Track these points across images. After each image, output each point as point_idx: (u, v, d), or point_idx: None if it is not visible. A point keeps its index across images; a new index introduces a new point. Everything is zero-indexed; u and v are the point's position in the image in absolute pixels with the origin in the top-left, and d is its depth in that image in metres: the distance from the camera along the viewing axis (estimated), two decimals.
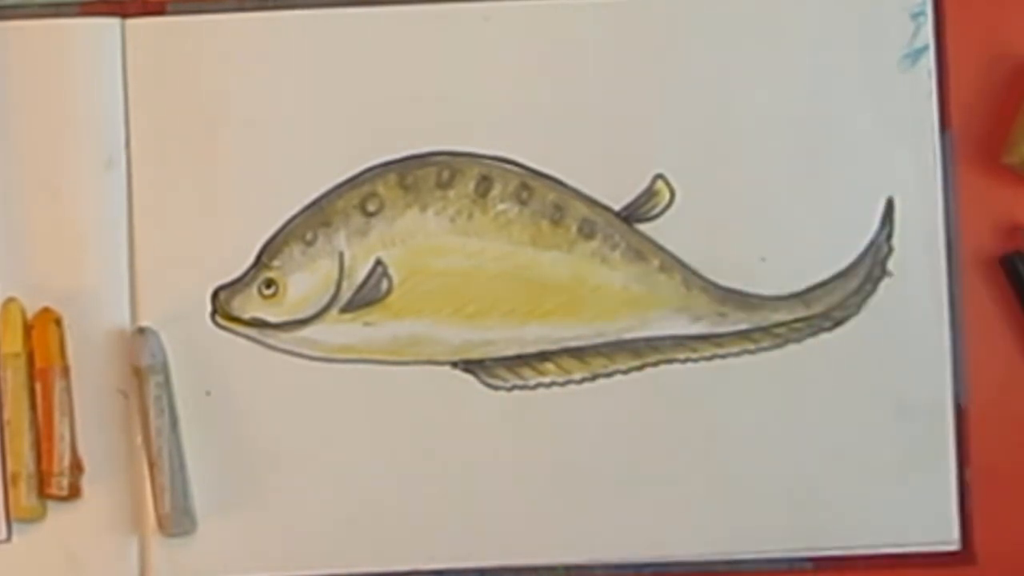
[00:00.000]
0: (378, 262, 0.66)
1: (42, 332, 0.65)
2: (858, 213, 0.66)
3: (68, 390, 0.65)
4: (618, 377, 0.66)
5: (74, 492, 0.65)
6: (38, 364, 0.65)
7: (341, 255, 0.66)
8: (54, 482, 0.65)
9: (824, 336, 0.66)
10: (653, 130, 0.66)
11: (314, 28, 0.66)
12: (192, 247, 0.66)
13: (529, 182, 0.66)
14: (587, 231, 0.66)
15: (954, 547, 0.66)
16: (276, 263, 0.66)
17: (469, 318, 0.66)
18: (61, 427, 0.65)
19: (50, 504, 0.66)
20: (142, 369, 0.64)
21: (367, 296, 0.66)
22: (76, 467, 0.65)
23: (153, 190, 0.66)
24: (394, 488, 0.66)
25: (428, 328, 0.66)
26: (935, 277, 0.66)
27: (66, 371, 0.65)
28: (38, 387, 0.65)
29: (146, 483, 0.65)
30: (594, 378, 0.66)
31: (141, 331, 0.65)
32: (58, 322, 0.65)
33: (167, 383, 0.65)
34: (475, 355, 0.66)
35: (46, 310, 0.65)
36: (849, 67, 0.66)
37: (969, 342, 0.66)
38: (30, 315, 0.66)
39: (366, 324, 0.66)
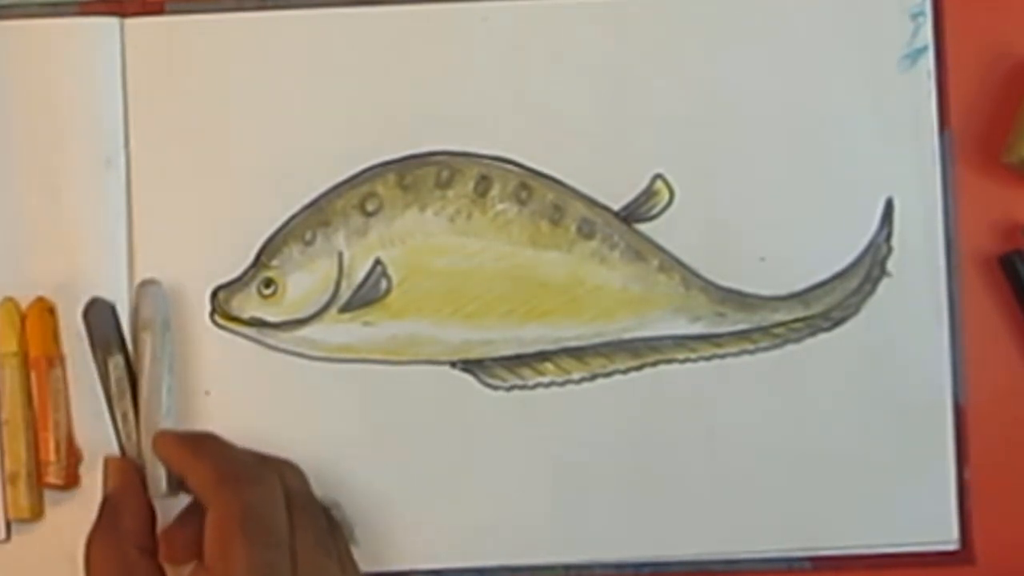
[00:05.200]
0: (377, 262, 0.66)
1: (35, 321, 0.65)
2: (858, 213, 0.66)
3: (63, 379, 0.65)
4: (617, 377, 0.66)
5: (71, 480, 0.65)
6: (32, 354, 0.65)
7: (340, 255, 0.66)
8: (51, 471, 0.65)
9: (823, 336, 0.66)
10: (653, 130, 0.66)
11: (314, 28, 0.66)
12: (191, 246, 0.66)
13: (528, 182, 0.66)
14: (586, 231, 0.66)
15: (953, 547, 0.66)
16: (275, 263, 0.66)
17: (468, 318, 0.66)
18: (57, 415, 0.65)
19: (48, 504, 0.66)
20: (144, 322, 0.64)
21: (366, 296, 0.66)
22: (73, 455, 0.65)
23: (152, 189, 0.66)
24: (393, 488, 0.66)
25: (427, 328, 0.66)
26: (934, 277, 0.66)
27: (61, 360, 0.65)
28: (33, 376, 0.65)
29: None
30: (593, 378, 0.66)
31: (144, 284, 0.65)
32: (51, 311, 0.65)
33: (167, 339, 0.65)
34: (474, 355, 0.66)
35: (39, 300, 0.65)
36: (849, 67, 0.66)
37: (968, 342, 0.66)
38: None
39: (365, 324, 0.66)
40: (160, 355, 0.64)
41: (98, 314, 0.64)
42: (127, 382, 0.64)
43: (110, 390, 0.64)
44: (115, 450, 0.65)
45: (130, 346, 0.65)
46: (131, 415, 0.64)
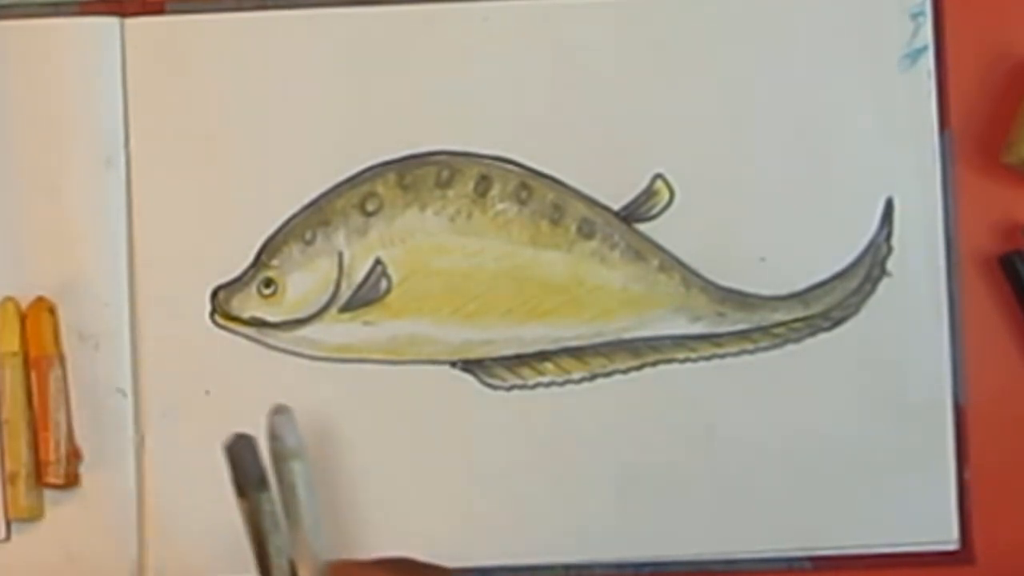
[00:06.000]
0: (377, 261, 0.66)
1: (35, 321, 0.65)
2: (858, 213, 0.66)
3: (63, 379, 0.65)
4: (617, 377, 0.66)
5: (71, 480, 0.65)
6: (33, 354, 0.65)
7: (340, 254, 0.66)
8: (51, 471, 0.65)
9: (823, 336, 0.66)
10: (653, 130, 0.66)
11: (314, 28, 0.66)
12: (191, 246, 0.66)
13: (528, 182, 0.66)
14: (586, 231, 0.66)
15: (953, 546, 0.66)
16: (275, 262, 0.66)
17: (468, 318, 0.66)
18: (57, 415, 0.65)
19: (49, 503, 0.66)
20: (292, 451, 0.61)
21: (366, 295, 0.66)
22: (74, 455, 0.65)
23: (152, 189, 0.66)
24: (393, 487, 0.66)
25: (427, 328, 0.66)
26: (934, 277, 0.66)
27: (61, 360, 0.65)
28: (33, 376, 0.65)
29: (147, 478, 0.65)
30: (593, 378, 0.66)
31: (279, 411, 0.61)
32: (52, 311, 0.65)
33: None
34: (474, 355, 0.66)
35: (40, 299, 0.65)
36: (849, 67, 0.66)
37: (968, 342, 0.66)
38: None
39: (365, 323, 0.66)
40: (311, 482, 0.61)
41: (243, 450, 0.60)
42: (279, 515, 0.60)
43: (262, 526, 0.60)
44: (115, 450, 0.65)
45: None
46: (285, 547, 0.60)
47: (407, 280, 0.66)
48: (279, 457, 0.60)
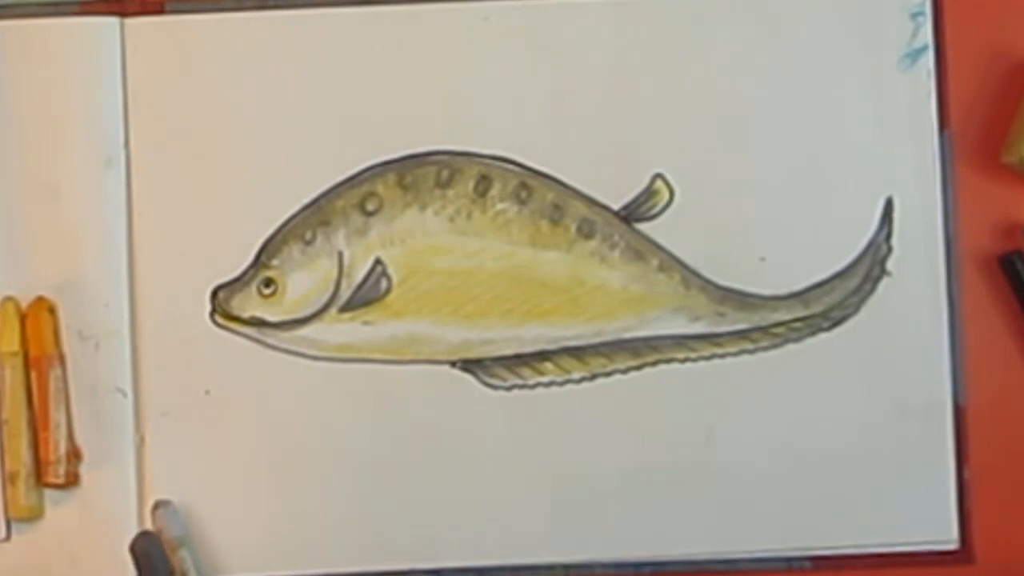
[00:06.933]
0: (377, 261, 0.66)
1: (35, 321, 0.65)
2: (857, 213, 0.66)
3: (63, 379, 0.65)
4: (617, 377, 0.66)
5: (71, 480, 0.65)
6: (33, 354, 0.65)
7: (340, 254, 0.66)
8: (51, 471, 0.65)
9: (823, 336, 0.66)
10: (653, 130, 0.66)
11: (314, 28, 0.66)
12: (191, 246, 0.66)
13: (528, 182, 0.66)
14: (586, 231, 0.66)
15: (953, 546, 0.66)
16: (275, 262, 0.66)
17: (468, 317, 0.66)
18: (57, 415, 0.65)
19: (49, 503, 0.66)
20: (178, 540, 0.64)
21: (366, 295, 0.66)
22: (74, 455, 0.65)
23: (152, 189, 0.66)
24: (393, 487, 0.66)
25: (427, 327, 0.66)
26: (934, 277, 0.66)
27: (61, 359, 0.65)
28: (33, 376, 0.65)
29: (147, 478, 0.65)
30: (593, 378, 0.66)
31: (159, 505, 0.65)
32: (52, 310, 0.65)
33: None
34: (474, 355, 0.66)
35: (40, 299, 0.65)
36: (849, 67, 0.66)
37: (968, 342, 0.66)
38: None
39: (365, 323, 0.66)
40: (200, 566, 0.64)
41: (149, 546, 0.64)
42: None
43: None
44: (115, 450, 0.65)
45: None
46: None
47: (407, 280, 0.66)
48: (168, 548, 0.64)
